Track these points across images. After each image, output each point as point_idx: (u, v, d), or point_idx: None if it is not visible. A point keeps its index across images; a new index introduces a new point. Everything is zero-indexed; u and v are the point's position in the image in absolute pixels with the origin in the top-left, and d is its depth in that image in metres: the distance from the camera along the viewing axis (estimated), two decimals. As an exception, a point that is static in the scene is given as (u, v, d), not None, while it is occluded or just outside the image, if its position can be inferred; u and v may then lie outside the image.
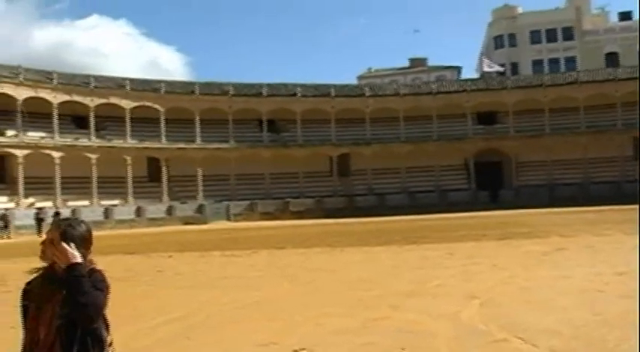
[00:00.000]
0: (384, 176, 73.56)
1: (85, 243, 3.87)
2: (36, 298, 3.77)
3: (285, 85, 78.44)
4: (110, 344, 3.81)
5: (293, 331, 10.15)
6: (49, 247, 3.80)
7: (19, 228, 51.46)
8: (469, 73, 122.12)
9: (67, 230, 3.84)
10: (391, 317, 10.93)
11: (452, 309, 11.22)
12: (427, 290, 13.98)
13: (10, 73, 61.92)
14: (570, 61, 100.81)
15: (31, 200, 59.29)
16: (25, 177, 59.04)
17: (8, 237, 49.20)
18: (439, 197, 71.31)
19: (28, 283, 3.90)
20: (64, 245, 3.72)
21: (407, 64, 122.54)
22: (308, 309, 12.09)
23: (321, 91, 78.00)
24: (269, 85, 77.19)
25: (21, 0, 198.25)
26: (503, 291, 13.29)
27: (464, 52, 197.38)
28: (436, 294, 13.31)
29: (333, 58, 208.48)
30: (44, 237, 3.97)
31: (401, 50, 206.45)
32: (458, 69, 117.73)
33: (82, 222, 4.10)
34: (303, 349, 8.89)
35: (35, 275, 3.91)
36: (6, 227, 50.48)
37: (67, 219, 4.12)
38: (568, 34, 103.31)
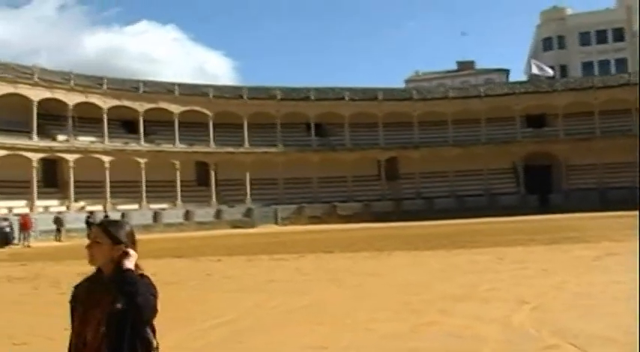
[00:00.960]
0: (432, 180, 73.22)
1: (131, 239, 3.89)
2: (83, 301, 3.78)
3: (332, 89, 78.51)
4: (156, 348, 3.80)
5: (341, 335, 10.12)
6: (94, 248, 3.83)
7: (69, 231, 52.06)
8: (517, 75, 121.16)
9: (110, 228, 3.88)
10: (440, 321, 10.83)
11: (502, 314, 11.09)
12: (476, 294, 13.85)
13: (62, 79, 62.82)
14: (621, 63, 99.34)
15: (81, 203, 60.00)
16: (75, 181, 59.78)
17: (60, 240, 49.80)
18: (488, 201, 70.75)
19: (77, 286, 3.93)
20: (126, 248, 3.79)
21: (455, 67, 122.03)
22: (356, 313, 12.05)
23: (368, 95, 77.93)
24: (317, 89, 77.33)
25: (72, 8, 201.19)
26: (554, 296, 13.11)
27: (512, 55, 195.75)
28: (485, 299, 13.17)
29: (380, 62, 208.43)
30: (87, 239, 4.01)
31: (449, 53, 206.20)
32: (506, 72, 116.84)
33: (125, 221, 4.14)
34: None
35: (83, 278, 3.95)
36: (59, 230, 51.12)
37: (108, 219, 4.17)
38: (618, 35, 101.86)
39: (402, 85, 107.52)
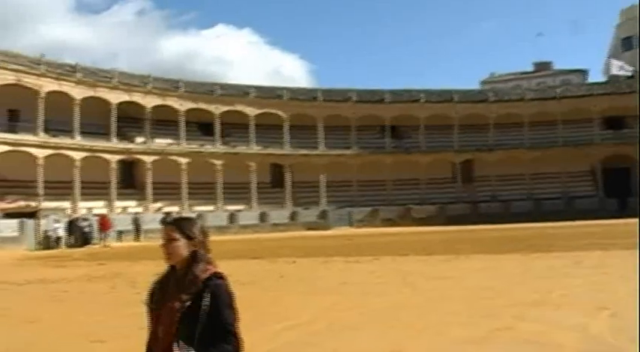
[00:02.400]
0: (508, 182, 72.41)
1: (203, 234, 3.94)
2: (157, 299, 3.85)
3: (408, 91, 78.17)
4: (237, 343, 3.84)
5: (415, 339, 10.07)
6: (170, 246, 3.88)
7: (147, 231, 52.89)
8: (596, 76, 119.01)
9: (182, 224, 3.94)
10: (515, 327, 10.68)
11: (579, 320, 10.87)
12: (553, 300, 13.62)
13: (140, 82, 63.99)
14: None
15: (158, 205, 60.96)
16: (152, 183, 60.86)
17: (139, 240, 50.63)
18: (565, 204, 69.63)
19: (154, 284, 3.99)
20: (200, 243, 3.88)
21: (531, 68, 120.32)
22: (430, 317, 11.98)
23: (444, 97, 77.47)
24: (392, 91, 77.14)
25: (150, 13, 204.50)
26: (634, 303, 12.84)
27: (591, 55, 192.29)
28: (562, 304, 12.95)
29: (456, 63, 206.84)
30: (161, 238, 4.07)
31: (525, 54, 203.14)
32: (584, 72, 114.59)
33: (195, 218, 4.21)
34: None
35: (158, 277, 4.01)
36: (137, 230, 51.94)
37: (179, 216, 4.25)
38: None
39: (477, 87, 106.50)
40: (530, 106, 76.37)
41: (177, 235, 3.86)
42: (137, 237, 52.33)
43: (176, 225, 3.93)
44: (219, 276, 3.82)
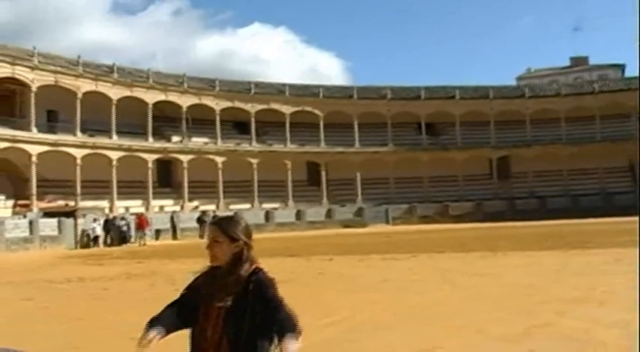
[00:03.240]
0: (545, 178, 71.91)
1: (247, 234, 3.98)
2: (204, 297, 3.89)
3: (443, 88, 77.98)
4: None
5: (454, 337, 10.04)
6: (214, 247, 3.92)
7: (184, 230, 53.25)
8: (633, 70, 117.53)
9: (226, 225, 3.98)
10: (556, 324, 10.60)
11: (621, 317, 10.73)
12: (593, 296, 13.51)
13: (176, 82, 64.42)
14: None
15: (195, 203, 61.25)
16: (189, 181, 61.13)
17: (177, 239, 50.96)
18: (603, 200, 68.85)
19: (195, 279, 4.05)
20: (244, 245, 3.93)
21: (568, 63, 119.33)
22: (469, 314, 11.92)
23: (479, 93, 77.15)
24: (427, 88, 76.93)
25: (187, 13, 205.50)
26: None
27: (628, 50, 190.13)
28: (603, 301, 12.84)
29: (491, 59, 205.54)
30: (206, 239, 4.12)
31: (561, 49, 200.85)
32: (621, 67, 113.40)
33: (239, 216, 4.25)
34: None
35: (199, 273, 4.06)
36: (174, 229, 52.23)
37: (223, 216, 4.29)
38: None
39: (513, 83, 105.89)
40: (566, 101, 75.83)
41: (221, 237, 3.91)
42: (175, 236, 52.66)
43: (219, 227, 3.97)
44: (259, 270, 3.90)
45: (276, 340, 3.80)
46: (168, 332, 3.84)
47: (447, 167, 71.10)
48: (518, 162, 73.86)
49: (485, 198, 71.21)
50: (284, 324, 3.75)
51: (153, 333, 3.76)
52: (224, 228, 3.95)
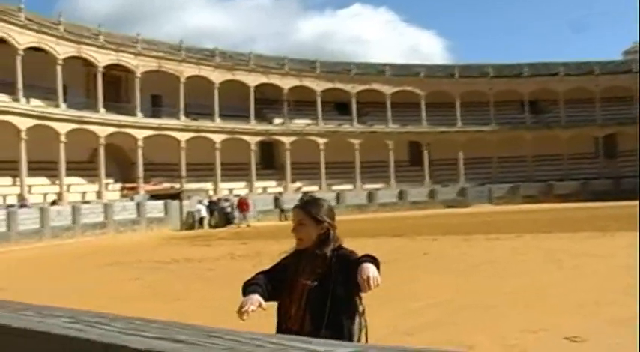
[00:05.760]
0: (654, 156, 69.79)
1: (331, 216, 4.05)
2: (290, 277, 3.96)
3: (546, 65, 76.26)
4: (363, 313, 3.93)
5: (562, 318, 9.82)
6: (300, 230, 4.00)
7: (286, 211, 53.64)
8: None
9: (310, 208, 4.06)
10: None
11: None
12: None
13: (276, 64, 64.74)
14: None
15: (297, 185, 61.63)
16: (291, 163, 61.48)
17: (280, 220, 51.38)
18: None
19: (282, 259, 4.14)
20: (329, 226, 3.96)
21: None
22: (577, 296, 11.66)
23: (584, 69, 75.16)
24: (530, 65, 75.38)
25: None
26: None
27: None
28: None
29: (596, 34, 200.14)
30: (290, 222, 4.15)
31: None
32: None
33: (322, 199, 4.24)
34: (576, 337, 8.52)
35: (287, 254, 4.15)
36: (282, 211, 52.56)
37: (307, 199, 4.28)
38: None
39: (619, 57, 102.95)
40: (677, 76, 73.34)
41: (305, 220, 3.98)
42: (282, 217, 53.07)
43: (304, 209, 4.06)
44: (342, 248, 3.99)
45: (357, 317, 3.86)
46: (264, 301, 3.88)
47: (550, 146, 69.64)
48: (625, 140, 71.75)
49: (591, 177, 69.49)
50: (364, 258, 3.77)
51: (250, 305, 3.79)
52: (308, 210, 4.03)
